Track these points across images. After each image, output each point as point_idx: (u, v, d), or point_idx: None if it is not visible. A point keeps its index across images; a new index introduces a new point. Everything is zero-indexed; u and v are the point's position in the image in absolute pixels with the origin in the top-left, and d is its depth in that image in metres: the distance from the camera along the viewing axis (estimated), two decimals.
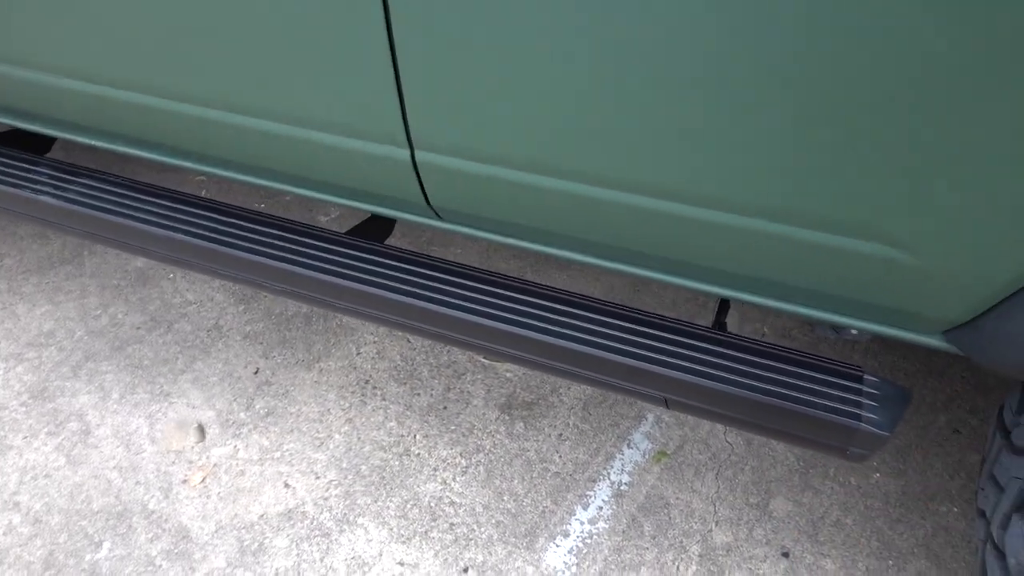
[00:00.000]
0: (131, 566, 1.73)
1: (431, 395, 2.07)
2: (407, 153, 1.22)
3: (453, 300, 1.33)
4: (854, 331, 1.27)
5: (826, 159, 0.92)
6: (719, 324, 1.41)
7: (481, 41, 1.01)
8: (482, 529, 1.77)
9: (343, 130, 1.25)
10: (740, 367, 1.21)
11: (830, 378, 1.19)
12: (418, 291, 1.35)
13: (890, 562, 1.70)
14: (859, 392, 1.17)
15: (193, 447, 1.97)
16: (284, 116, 1.28)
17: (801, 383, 1.19)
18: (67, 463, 1.94)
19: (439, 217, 1.37)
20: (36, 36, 1.39)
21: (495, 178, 1.17)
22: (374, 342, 2.23)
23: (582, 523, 1.78)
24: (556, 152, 1.08)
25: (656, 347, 1.25)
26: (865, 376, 1.19)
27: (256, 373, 2.15)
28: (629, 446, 1.95)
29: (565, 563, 1.70)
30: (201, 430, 2.01)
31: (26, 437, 2.00)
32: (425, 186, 1.27)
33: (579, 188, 1.11)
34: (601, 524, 1.78)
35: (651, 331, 1.27)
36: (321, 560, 1.72)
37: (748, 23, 0.85)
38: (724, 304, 1.44)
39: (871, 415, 1.14)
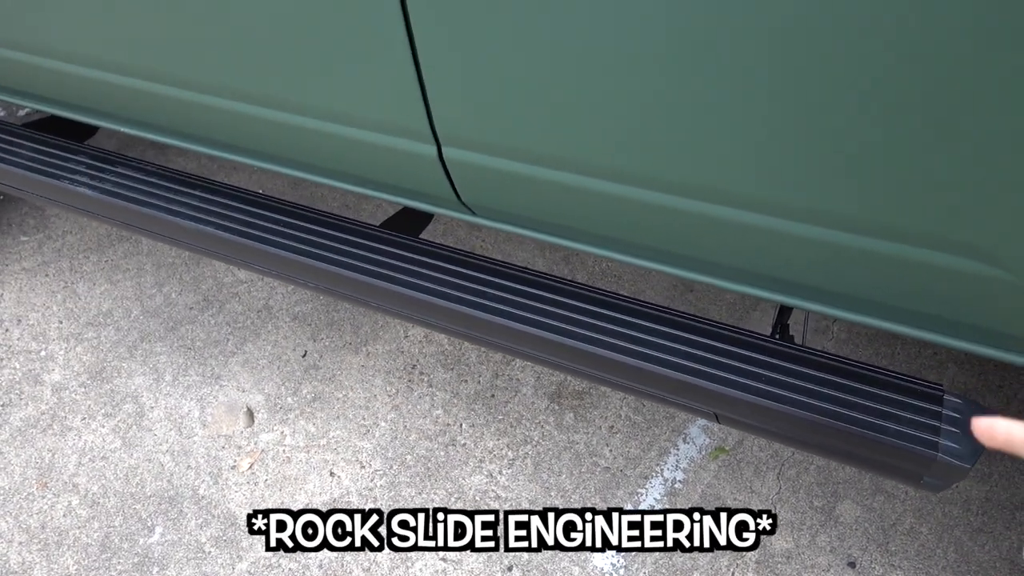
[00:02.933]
0: (181, 551, 1.75)
1: (479, 382, 2.01)
2: (434, 149, 1.13)
3: (482, 301, 1.24)
4: None
5: (918, 171, 0.79)
6: (781, 327, 1.29)
7: (500, 33, 0.90)
8: None
9: (371, 125, 1.16)
10: (800, 383, 1.09)
11: (905, 398, 1.06)
12: (448, 291, 1.27)
13: None
14: (938, 416, 1.04)
15: (242, 432, 1.97)
16: (314, 111, 1.20)
17: (871, 403, 1.06)
18: (122, 445, 1.97)
19: (472, 213, 1.28)
20: (80, 32, 1.34)
21: (524, 175, 1.07)
22: None
23: None
24: (583, 149, 0.97)
25: (704, 358, 1.13)
26: (946, 397, 1.05)
27: (304, 356, 2.13)
28: (685, 440, 1.84)
29: (613, 564, 1.63)
30: (250, 414, 2.00)
31: (84, 418, 2.04)
32: (455, 182, 1.18)
33: (609, 187, 1.00)
34: None
35: (702, 339, 1.16)
36: (365, 554, 1.69)
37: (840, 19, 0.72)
38: (786, 307, 1.31)
39: (950, 443, 1.01)
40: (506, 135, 1.03)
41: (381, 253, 1.35)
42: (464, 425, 1.92)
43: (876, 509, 1.67)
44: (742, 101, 0.83)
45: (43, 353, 2.22)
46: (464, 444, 1.88)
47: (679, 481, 1.77)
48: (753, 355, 1.13)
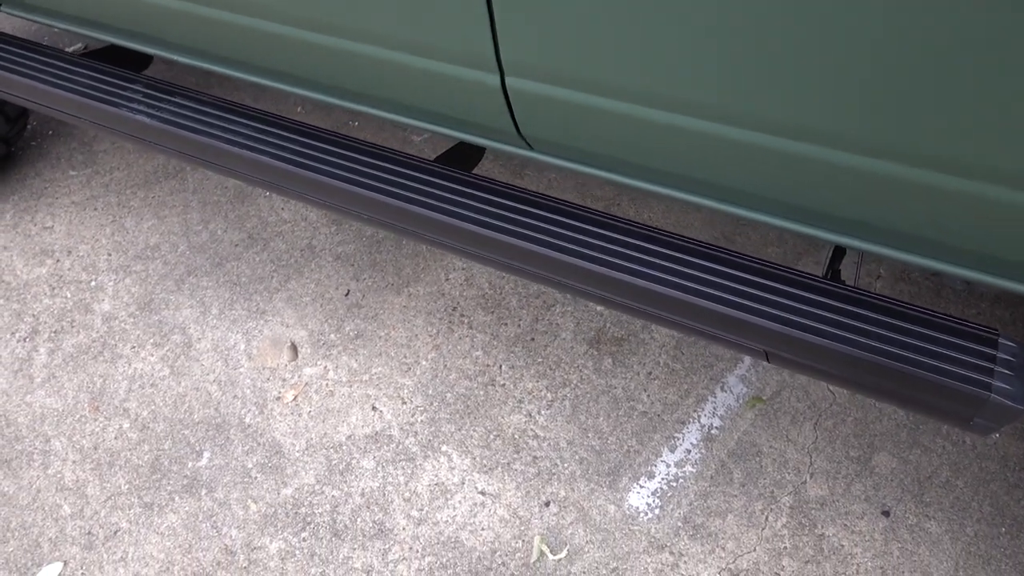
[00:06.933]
0: (228, 476, 1.81)
1: (519, 325, 2.03)
2: (497, 78, 1.13)
3: (535, 235, 1.25)
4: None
5: (935, 91, 0.78)
6: (833, 272, 1.29)
7: None
8: (565, 465, 1.75)
9: (431, 53, 1.17)
10: (854, 323, 1.09)
11: (959, 340, 1.06)
12: (501, 224, 1.29)
13: (1003, 529, 1.57)
14: (992, 358, 1.04)
15: (286, 365, 2.02)
16: (372, 37, 1.21)
17: (925, 344, 1.06)
18: (171, 374, 2.03)
19: (530, 147, 1.29)
20: None
21: (590, 107, 1.07)
22: (463, 268, 2.20)
23: (668, 465, 1.73)
24: (655, 80, 0.97)
25: (759, 296, 1.14)
26: (1001, 340, 1.06)
27: (347, 295, 2.16)
28: (723, 389, 1.86)
29: (648, 505, 1.67)
30: (294, 349, 2.05)
31: (134, 347, 2.10)
32: (515, 114, 1.19)
33: (678, 120, 1.00)
34: (688, 468, 1.72)
35: (755, 278, 1.16)
36: (406, 484, 1.74)
37: None
38: (839, 250, 1.31)
39: (1004, 385, 1.01)
40: (572, 63, 1.04)
41: (435, 186, 1.37)
42: (504, 367, 1.95)
43: (912, 461, 1.68)
44: (793, 29, 0.82)
45: (93, 283, 2.28)
46: (503, 385, 1.91)
47: (715, 428, 1.79)
48: (806, 294, 1.13)
